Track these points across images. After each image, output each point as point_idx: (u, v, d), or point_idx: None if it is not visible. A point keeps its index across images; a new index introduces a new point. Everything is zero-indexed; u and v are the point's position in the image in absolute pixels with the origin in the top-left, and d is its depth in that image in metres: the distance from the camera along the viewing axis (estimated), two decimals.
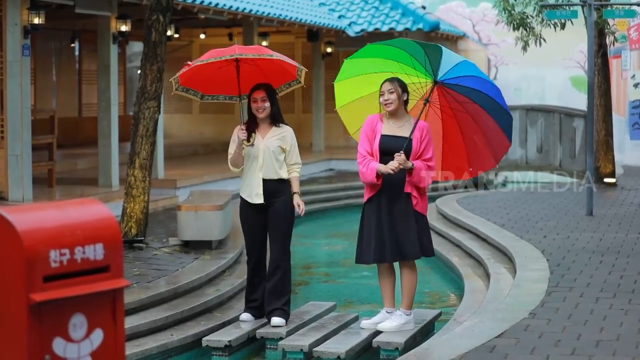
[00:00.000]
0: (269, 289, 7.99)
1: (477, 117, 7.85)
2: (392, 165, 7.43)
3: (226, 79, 8.21)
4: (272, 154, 7.90)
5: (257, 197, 7.95)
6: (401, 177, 7.53)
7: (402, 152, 7.43)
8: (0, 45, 12.90)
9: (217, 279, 9.78)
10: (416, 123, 7.55)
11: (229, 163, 8.08)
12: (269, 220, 7.95)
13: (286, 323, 7.97)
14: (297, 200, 7.97)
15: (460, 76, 7.72)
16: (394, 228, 7.60)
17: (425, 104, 7.70)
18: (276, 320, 7.93)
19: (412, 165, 7.47)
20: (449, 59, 7.72)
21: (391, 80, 7.63)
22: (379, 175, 7.50)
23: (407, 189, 7.56)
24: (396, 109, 7.62)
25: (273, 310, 7.97)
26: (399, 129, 7.60)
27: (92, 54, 20.69)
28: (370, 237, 7.68)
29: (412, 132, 7.51)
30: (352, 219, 14.39)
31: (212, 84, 8.39)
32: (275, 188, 7.93)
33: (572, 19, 14.27)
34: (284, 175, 7.94)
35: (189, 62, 8.07)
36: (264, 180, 7.92)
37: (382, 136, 7.59)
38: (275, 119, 7.98)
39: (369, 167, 7.53)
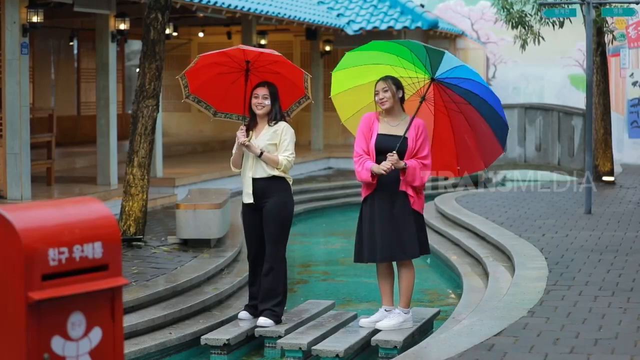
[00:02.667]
0: (262, 288, 7.99)
1: (470, 119, 7.87)
2: (384, 166, 7.45)
3: (240, 95, 8.11)
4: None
5: (247, 196, 7.94)
6: (396, 176, 7.54)
7: (394, 152, 7.44)
8: None
9: (215, 277, 9.78)
10: (411, 121, 7.56)
11: (231, 163, 8.11)
12: (263, 220, 7.93)
13: (276, 324, 7.93)
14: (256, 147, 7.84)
15: (459, 77, 7.73)
16: (388, 228, 7.60)
17: (421, 102, 7.71)
18: (262, 320, 7.90)
19: (405, 165, 7.48)
20: (450, 61, 7.72)
21: (384, 78, 7.65)
22: (373, 175, 7.53)
23: (402, 187, 7.57)
24: (391, 107, 7.64)
25: (263, 310, 7.98)
26: (395, 127, 7.62)
27: (91, 52, 20.70)
28: (365, 236, 7.71)
29: (406, 131, 7.52)
30: (350, 218, 14.40)
31: (226, 101, 8.33)
32: (266, 186, 7.86)
33: (571, 17, 14.26)
34: (275, 172, 7.86)
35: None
36: (254, 179, 7.88)
37: (378, 135, 7.61)
38: (273, 119, 7.95)
39: (364, 166, 7.55)
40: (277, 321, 7.94)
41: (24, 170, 12.97)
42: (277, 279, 7.92)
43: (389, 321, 7.79)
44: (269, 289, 7.93)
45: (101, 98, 15.02)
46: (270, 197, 7.88)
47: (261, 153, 7.79)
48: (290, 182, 8.02)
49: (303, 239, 14.68)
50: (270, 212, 7.87)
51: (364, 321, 7.99)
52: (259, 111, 7.91)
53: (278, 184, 7.89)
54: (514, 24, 15.68)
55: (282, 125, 7.91)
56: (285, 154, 7.85)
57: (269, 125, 7.91)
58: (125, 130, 15.67)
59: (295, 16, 20.53)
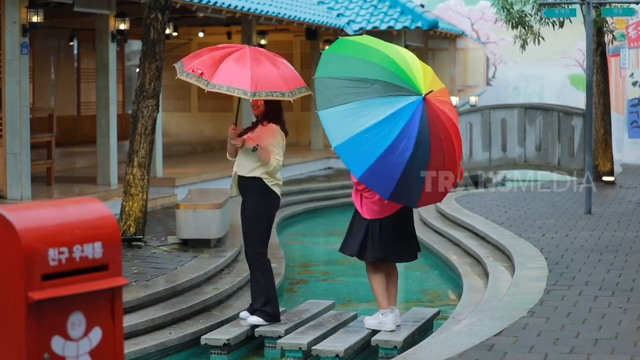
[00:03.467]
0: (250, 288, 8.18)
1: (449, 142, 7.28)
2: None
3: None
4: (246, 151, 7.93)
5: (231, 189, 8.11)
6: None
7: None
8: None
9: (215, 277, 9.78)
10: None
11: (227, 153, 8.21)
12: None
13: (267, 322, 7.95)
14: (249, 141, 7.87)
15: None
16: None
17: None
18: (253, 319, 7.97)
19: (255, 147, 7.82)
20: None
21: None
22: None
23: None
24: None
25: (254, 310, 8.04)
26: None
27: (91, 52, 20.69)
28: None
29: None
30: (350, 218, 14.38)
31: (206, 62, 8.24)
32: (246, 185, 7.96)
33: (571, 17, 14.25)
34: (256, 173, 7.89)
35: (198, 70, 7.84)
36: (238, 176, 8.02)
37: None
38: (267, 118, 7.97)
39: None
40: (268, 320, 7.95)
41: (24, 170, 12.96)
42: (256, 280, 8.03)
43: (370, 320, 7.91)
44: (252, 290, 8.12)
45: (101, 98, 15.02)
46: (248, 197, 7.99)
47: (256, 147, 7.82)
48: (281, 184, 8.07)
49: (303, 239, 14.68)
50: (245, 212, 8.02)
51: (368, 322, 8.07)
52: (254, 112, 8.10)
53: (255, 185, 7.94)
54: (514, 24, 15.68)
55: (270, 128, 7.93)
56: (276, 157, 7.91)
57: (262, 125, 7.97)
58: (125, 130, 15.66)
59: (295, 16, 20.52)
